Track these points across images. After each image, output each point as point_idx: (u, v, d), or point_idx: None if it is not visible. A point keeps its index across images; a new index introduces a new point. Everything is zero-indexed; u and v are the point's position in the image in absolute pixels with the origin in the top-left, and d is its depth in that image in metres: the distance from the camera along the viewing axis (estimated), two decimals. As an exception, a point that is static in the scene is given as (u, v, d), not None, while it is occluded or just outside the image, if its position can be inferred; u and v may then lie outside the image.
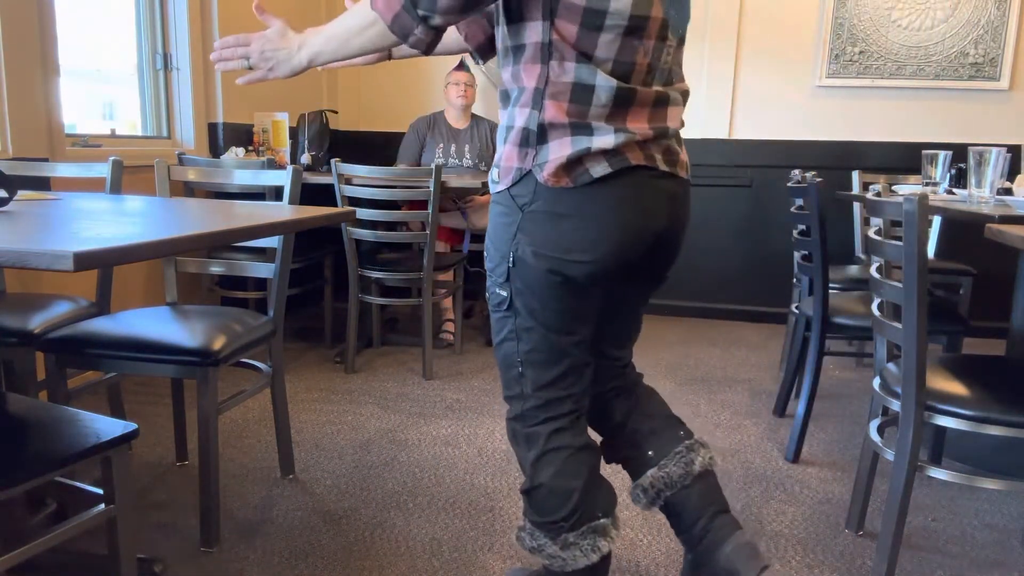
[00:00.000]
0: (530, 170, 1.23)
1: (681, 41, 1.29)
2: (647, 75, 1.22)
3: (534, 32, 1.19)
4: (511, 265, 1.28)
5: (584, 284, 1.27)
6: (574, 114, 1.20)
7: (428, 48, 1.20)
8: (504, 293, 1.31)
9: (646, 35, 1.18)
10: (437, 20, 1.15)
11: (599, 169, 1.21)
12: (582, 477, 1.36)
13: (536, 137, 1.23)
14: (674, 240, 1.38)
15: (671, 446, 1.49)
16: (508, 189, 1.27)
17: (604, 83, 1.18)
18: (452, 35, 1.52)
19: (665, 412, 1.56)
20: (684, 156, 1.34)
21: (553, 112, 1.20)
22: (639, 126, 1.22)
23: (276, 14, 1.30)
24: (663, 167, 1.27)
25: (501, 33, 1.27)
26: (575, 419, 1.38)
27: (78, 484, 1.41)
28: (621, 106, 1.20)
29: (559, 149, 1.21)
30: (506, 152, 1.27)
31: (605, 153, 1.21)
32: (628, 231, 1.25)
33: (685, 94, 1.33)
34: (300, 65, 1.27)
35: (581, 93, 1.19)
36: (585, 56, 1.17)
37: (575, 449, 1.37)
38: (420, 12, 1.13)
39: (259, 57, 1.28)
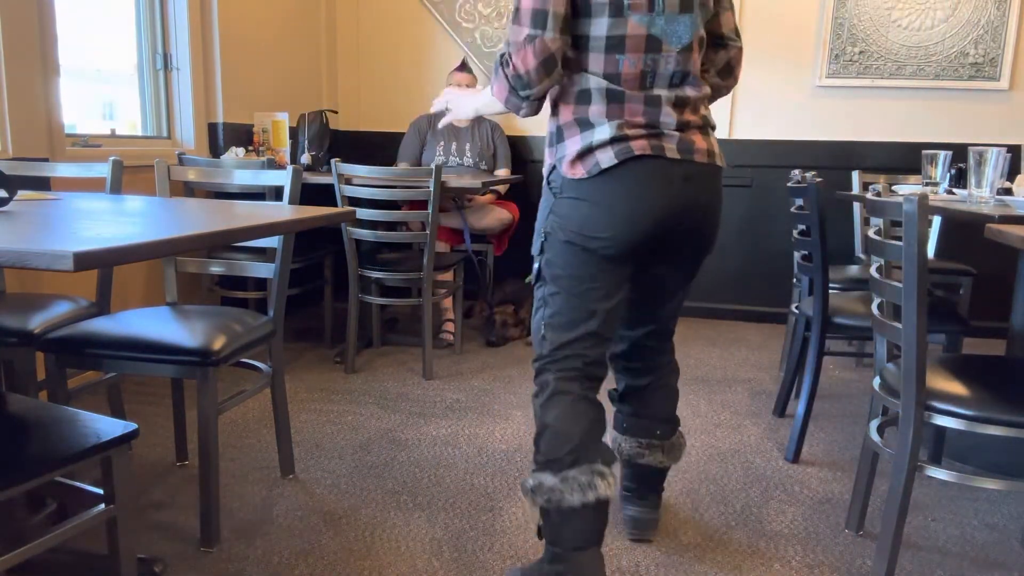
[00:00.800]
0: (556, 165, 1.52)
1: (688, 49, 1.47)
2: (641, 81, 1.45)
3: None
4: (544, 239, 1.54)
5: (604, 256, 1.48)
6: (579, 113, 1.48)
7: (538, 111, 1.51)
8: (537, 265, 1.56)
9: (627, 50, 1.43)
10: (536, 93, 1.45)
11: (606, 159, 1.44)
12: (584, 423, 1.50)
13: (556, 137, 1.53)
14: (694, 214, 1.52)
15: (636, 436, 1.81)
16: (547, 180, 1.55)
17: (597, 85, 1.46)
18: None
19: (660, 413, 1.81)
20: (705, 144, 1.51)
21: (564, 115, 1.50)
22: (635, 119, 1.46)
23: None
24: (674, 156, 1.46)
25: None
26: (586, 376, 1.54)
27: (78, 484, 1.41)
28: (615, 102, 1.45)
29: (572, 144, 1.48)
30: (546, 153, 1.58)
31: (611, 142, 1.43)
32: (637, 212, 1.45)
33: (682, 99, 1.48)
34: (470, 115, 1.71)
35: (582, 96, 1.48)
36: (584, 70, 1.46)
37: (580, 396, 1.53)
38: (523, 94, 1.45)
39: (454, 102, 1.72)
